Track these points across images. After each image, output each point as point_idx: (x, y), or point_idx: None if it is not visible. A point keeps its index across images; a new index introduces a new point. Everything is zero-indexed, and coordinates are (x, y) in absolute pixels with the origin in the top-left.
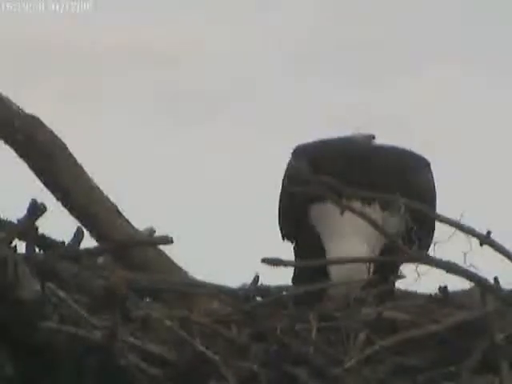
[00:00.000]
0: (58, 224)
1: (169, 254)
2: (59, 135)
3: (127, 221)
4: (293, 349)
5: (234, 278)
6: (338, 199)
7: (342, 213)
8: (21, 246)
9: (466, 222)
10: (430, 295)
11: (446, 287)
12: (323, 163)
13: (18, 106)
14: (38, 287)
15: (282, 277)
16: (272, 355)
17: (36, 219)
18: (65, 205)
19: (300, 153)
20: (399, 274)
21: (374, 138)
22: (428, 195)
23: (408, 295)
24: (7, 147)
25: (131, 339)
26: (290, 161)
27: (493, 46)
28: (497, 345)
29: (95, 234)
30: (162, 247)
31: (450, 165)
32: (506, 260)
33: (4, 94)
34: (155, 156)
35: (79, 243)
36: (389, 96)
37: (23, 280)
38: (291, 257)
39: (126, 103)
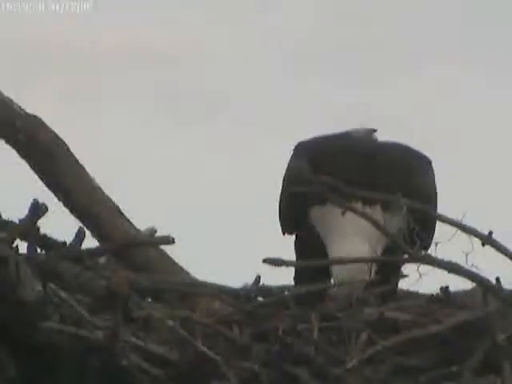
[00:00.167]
0: (60, 224)
1: (170, 254)
2: (60, 135)
3: (128, 221)
4: (294, 349)
5: (236, 278)
6: (339, 199)
7: (343, 213)
8: (22, 247)
9: (468, 222)
10: (432, 295)
11: (447, 287)
12: (324, 161)
13: (20, 106)
14: (39, 287)
15: (284, 277)
16: (273, 355)
17: (37, 219)
18: (66, 205)
19: (301, 151)
20: (401, 274)
21: (375, 131)
22: (430, 194)
23: (410, 295)
24: (9, 147)
25: (133, 339)
26: (291, 159)
27: (493, 46)
28: (498, 345)
29: (97, 234)
30: (163, 247)
31: (450, 165)
32: (508, 260)
33: (5, 94)
34: (155, 156)
35: (81, 243)
36: (389, 96)
37: (25, 280)
38: (292, 256)
39: (126, 103)
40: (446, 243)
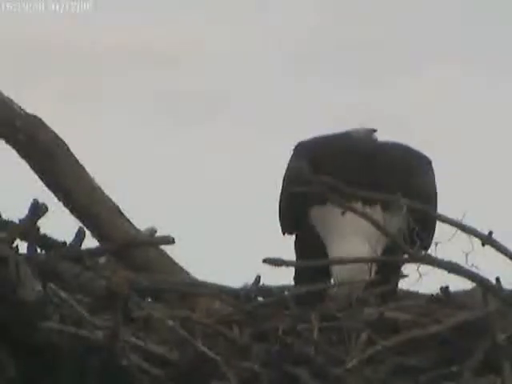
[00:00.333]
0: (60, 224)
1: (170, 254)
2: (60, 135)
3: (128, 221)
4: (294, 349)
5: (236, 278)
6: (339, 199)
7: (343, 213)
8: (22, 247)
9: (468, 222)
10: (432, 295)
11: (447, 287)
12: (325, 161)
13: (20, 106)
14: (39, 287)
15: (284, 277)
16: (273, 355)
17: (37, 219)
18: (66, 205)
19: (301, 151)
20: (401, 274)
21: (375, 131)
22: (430, 194)
23: (410, 295)
24: (9, 147)
25: (133, 339)
26: (291, 159)
27: (493, 46)
28: (498, 345)
29: (97, 234)
30: (163, 247)
31: (450, 165)
32: (508, 260)
33: (5, 94)
34: (155, 156)
35: (81, 243)
36: (389, 96)
37: (25, 280)
38: (292, 256)
39: (126, 103)
40: (445, 243)
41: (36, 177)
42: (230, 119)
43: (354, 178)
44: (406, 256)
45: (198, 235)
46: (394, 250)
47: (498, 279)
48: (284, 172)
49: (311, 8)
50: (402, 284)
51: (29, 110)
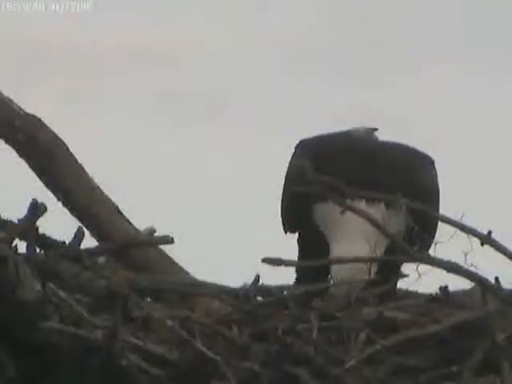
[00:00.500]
0: (59, 224)
1: (170, 254)
2: (59, 135)
3: (128, 221)
4: (294, 349)
5: (235, 277)
6: (340, 199)
7: (342, 212)
8: (21, 246)
9: (467, 221)
10: (431, 295)
11: (446, 287)
12: (326, 160)
13: (20, 106)
14: (38, 287)
15: (283, 276)
16: (273, 355)
17: (37, 219)
18: (65, 205)
19: (303, 149)
20: (401, 273)
21: (376, 130)
22: (432, 194)
23: (409, 295)
24: (8, 147)
25: (132, 339)
26: (293, 157)
27: (493, 46)
28: (498, 345)
29: (96, 234)
30: (162, 247)
31: (450, 165)
32: (507, 260)
33: (5, 93)
34: (155, 156)
35: (80, 243)
36: (389, 96)
37: (24, 280)
38: (291, 256)
39: (126, 103)
40: (445, 243)
41: (35, 177)
42: (230, 119)
43: (355, 177)
44: (405, 256)
45: (197, 235)
46: (394, 250)
47: (497, 279)
48: (286, 170)
49: (311, 8)
50: (402, 284)
51: (29, 110)
